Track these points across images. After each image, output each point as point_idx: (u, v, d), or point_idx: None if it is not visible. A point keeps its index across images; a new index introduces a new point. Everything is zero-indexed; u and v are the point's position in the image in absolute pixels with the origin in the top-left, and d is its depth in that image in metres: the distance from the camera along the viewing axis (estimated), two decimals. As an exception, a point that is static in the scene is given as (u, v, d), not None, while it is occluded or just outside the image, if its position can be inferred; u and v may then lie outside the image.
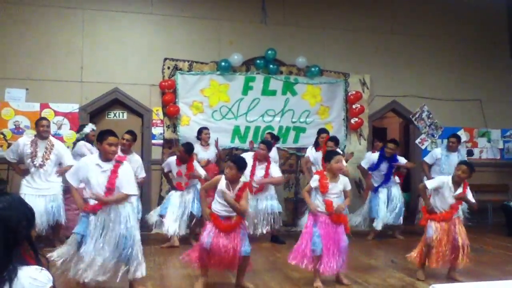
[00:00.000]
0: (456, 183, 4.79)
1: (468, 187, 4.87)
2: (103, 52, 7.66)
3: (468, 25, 9.21)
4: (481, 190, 8.32)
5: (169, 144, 7.74)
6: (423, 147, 8.86)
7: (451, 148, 7.33)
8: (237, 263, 4.29)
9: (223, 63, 7.89)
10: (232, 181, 4.31)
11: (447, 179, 4.84)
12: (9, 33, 7.34)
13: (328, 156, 4.68)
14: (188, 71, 7.88)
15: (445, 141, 7.86)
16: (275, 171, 6.56)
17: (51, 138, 6.16)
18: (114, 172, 4.02)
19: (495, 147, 9.25)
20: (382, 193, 7.07)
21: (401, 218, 7.08)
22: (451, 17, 9.14)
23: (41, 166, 5.95)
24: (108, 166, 4.05)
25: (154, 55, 7.80)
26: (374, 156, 7.24)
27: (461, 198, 4.80)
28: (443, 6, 9.04)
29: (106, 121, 7.80)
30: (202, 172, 6.40)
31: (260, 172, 6.51)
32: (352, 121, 8.46)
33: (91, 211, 4.00)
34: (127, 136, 6.12)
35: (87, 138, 6.65)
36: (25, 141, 6.03)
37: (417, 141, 8.88)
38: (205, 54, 7.99)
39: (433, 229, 4.73)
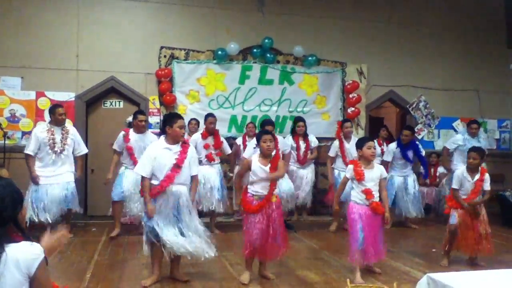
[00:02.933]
0: (471, 170, 4.96)
1: (487, 174, 5.01)
2: (99, 40, 7.59)
3: (465, 15, 9.18)
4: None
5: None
6: (419, 137, 8.87)
7: (472, 135, 7.34)
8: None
9: (219, 52, 7.85)
10: (267, 155, 4.35)
11: (462, 171, 5.01)
12: (4, 21, 7.26)
13: (360, 143, 4.56)
14: (184, 59, 7.83)
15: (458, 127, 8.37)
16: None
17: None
18: (184, 152, 4.24)
19: (491, 137, 9.27)
20: (397, 181, 7.11)
21: (421, 209, 7.14)
22: (448, 7, 9.10)
23: (61, 151, 5.98)
24: (177, 148, 4.25)
25: (150, 43, 7.75)
26: (393, 146, 7.16)
27: (473, 203, 4.93)
28: (441, -4, 9.01)
29: (103, 110, 7.77)
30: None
31: None
32: (349, 110, 8.45)
33: (160, 190, 4.11)
34: (142, 117, 6.22)
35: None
36: (41, 130, 5.99)
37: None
38: (201, 42, 7.94)
39: (456, 216, 4.91)
